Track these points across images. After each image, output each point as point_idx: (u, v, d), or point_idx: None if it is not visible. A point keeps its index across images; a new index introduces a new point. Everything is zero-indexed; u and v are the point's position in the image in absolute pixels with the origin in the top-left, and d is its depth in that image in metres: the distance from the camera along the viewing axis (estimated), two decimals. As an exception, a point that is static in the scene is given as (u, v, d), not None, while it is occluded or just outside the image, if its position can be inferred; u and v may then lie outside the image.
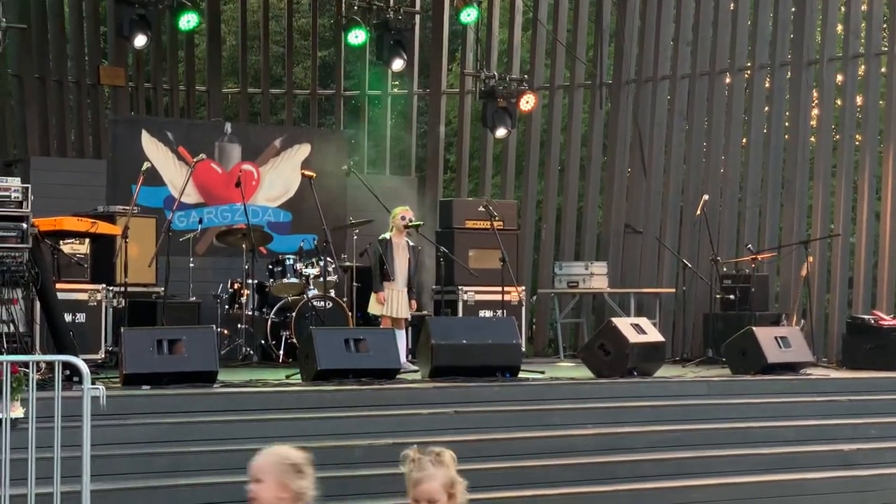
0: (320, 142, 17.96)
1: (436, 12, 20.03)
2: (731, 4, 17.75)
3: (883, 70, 16.64)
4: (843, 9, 17.46)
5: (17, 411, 8.69)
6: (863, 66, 16.73)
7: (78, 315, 13.03)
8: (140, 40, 16.63)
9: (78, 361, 8.56)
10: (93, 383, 8.42)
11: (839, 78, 17.17)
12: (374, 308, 13.95)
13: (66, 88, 18.55)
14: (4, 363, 8.62)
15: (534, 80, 19.14)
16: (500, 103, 18.08)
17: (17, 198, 11.47)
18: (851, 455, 12.05)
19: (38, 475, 8.21)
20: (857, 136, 17.01)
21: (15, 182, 11.66)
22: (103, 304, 13.45)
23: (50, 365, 8.90)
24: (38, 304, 11.65)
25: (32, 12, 17.85)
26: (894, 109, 16.38)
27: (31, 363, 8.95)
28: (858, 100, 17.12)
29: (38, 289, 11.48)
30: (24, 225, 11.40)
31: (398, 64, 18.57)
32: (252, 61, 20.45)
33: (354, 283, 15.08)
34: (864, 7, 17.21)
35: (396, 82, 20.45)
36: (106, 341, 13.31)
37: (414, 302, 14.30)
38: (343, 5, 19.19)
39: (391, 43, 18.27)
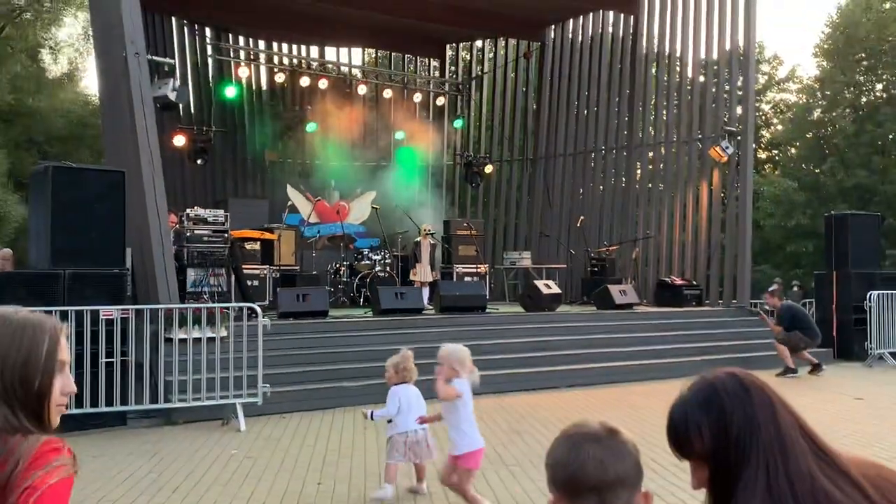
0: (379, 191, 17.90)
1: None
2: (593, 112, 17.63)
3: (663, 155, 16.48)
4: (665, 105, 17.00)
5: (224, 333, 8.74)
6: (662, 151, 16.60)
7: (254, 281, 13.05)
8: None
9: (255, 306, 8.62)
10: (262, 317, 8.44)
11: (650, 155, 17.07)
12: (412, 277, 14.22)
13: (248, 162, 18.44)
14: (216, 308, 8.67)
15: (491, 157, 19.11)
16: (474, 169, 18.17)
17: (222, 220, 11.57)
18: (661, 351, 12.02)
19: (236, 367, 8.25)
20: (661, 185, 16.89)
21: (221, 212, 11.76)
22: (267, 276, 13.47)
23: (240, 307, 8.92)
24: (233, 277, 11.72)
25: (228, 120, 17.70)
26: (682, 171, 16.29)
27: (230, 308, 8.99)
28: (661, 167, 17.01)
29: (233, 268, 11.55)
30: (226, 235, 11.60)
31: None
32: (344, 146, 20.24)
33: (399, 263, 15.10)
34: (676, 105, 16.61)
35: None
36: (269, 295, 13.33)
37: (434, 273, 14.46)
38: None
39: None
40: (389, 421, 5.56)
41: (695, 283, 15.00)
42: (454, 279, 14.70)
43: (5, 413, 1.61)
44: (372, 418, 5.59)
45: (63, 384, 1.70)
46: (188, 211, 11.72)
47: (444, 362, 4.99)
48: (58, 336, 1.69)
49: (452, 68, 21.51)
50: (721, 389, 1.64)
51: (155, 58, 11.41)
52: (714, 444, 1.60)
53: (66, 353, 1.72)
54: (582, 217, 16.59)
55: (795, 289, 23.88)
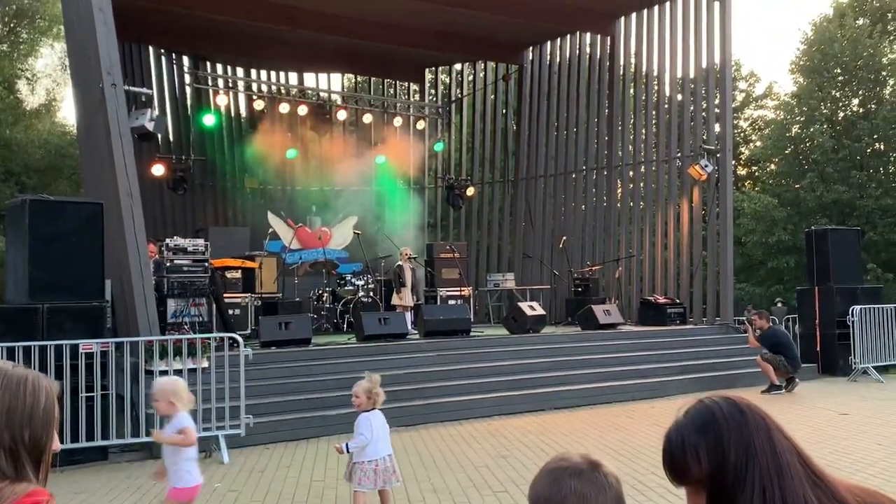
0: (361, 216, 17.92)
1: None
2: (573, 132, 17.79)
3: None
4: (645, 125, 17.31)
5: (205, 363, 8.66)
6: (647, 167, 16.77)
7: (236, 310, 12.98)
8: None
9: (236, 335, 8.56)
10: (244, 347, 8.38)
11: (631, 174, 17.19)
12: (395, 301, 14.00)
13: (228, 190, 18.39)
14: (197, 338, 8.59)
15: (473, 179, 19.22)
16: (456, 192, 18.26)
17: (203, 249, 11.49)
18: (645, 371, 12.06)
19: (218, 398, 8.16)
20: (641, 203, 17.01)
21: (201, 241, 11.69)
22: (249, 304, 13.41)
23: (221, 338, 8.86)
24: (214, 306, 11.63)
25: (207, 148, 17.72)
26: (662, 189, 16.46)
27: (212, 337, 8.91)
28: (641, 186, 17.14)
29: (214, 297, 11.46)
30: (206, 264, 11.49)
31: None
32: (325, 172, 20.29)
33: (382, 288, 15.08)
34: (654, 126, 16.72)
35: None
36: (251, 324, 13.26)
37: (415, 297, 14.36)
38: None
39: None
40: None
41: (678, 301, 15.15)
42: (438, 302, 14.70)
43: (1, 459, 1.63)
44: (347, 451, 5.29)
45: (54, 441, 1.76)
46: (168, 241, 11.60)
47: (160, 398, 4.70)
48: (53, 395, 1.74)
49: (432, 92, 21.65)
50: (718, 413, 1.64)
51: (132, 88, 11.41)
52: (711, 467, 1.60)
53: (57, 412, 1.77)
54: (564, 237, 16.70)
55: (779, 305, 24.03)
